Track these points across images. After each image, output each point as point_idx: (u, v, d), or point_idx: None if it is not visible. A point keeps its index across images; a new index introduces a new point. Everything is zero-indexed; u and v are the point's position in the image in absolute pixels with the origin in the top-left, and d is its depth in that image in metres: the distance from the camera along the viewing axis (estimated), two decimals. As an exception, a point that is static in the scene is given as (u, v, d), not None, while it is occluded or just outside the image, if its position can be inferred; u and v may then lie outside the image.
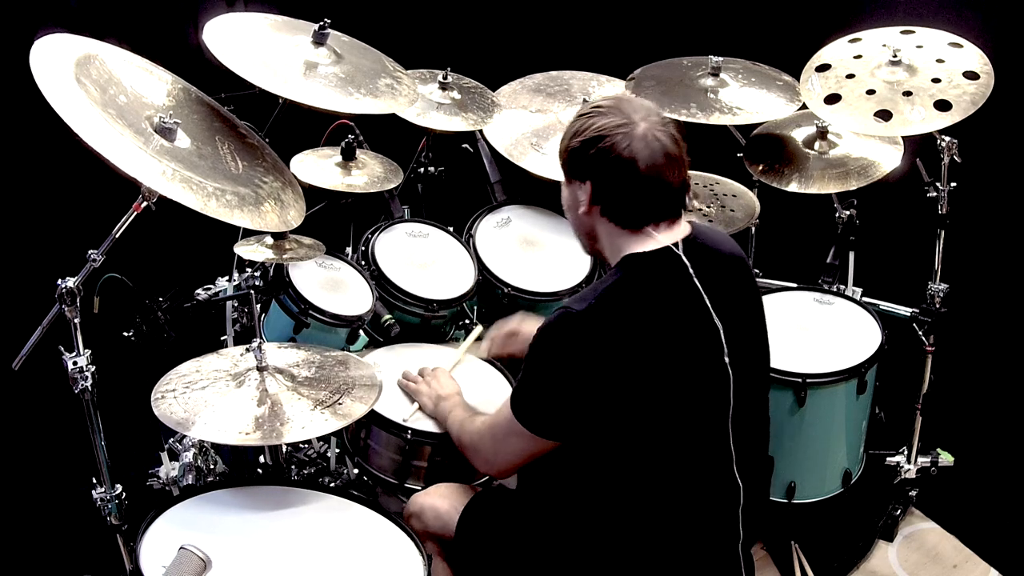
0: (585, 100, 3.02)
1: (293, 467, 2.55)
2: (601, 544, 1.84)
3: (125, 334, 2.34)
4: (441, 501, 2.08)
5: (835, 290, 2.86)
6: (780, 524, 2.78)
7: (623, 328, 1.74)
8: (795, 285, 2.87)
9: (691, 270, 1.80)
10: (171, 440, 2.46)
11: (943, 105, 2.50)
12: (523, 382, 1.85)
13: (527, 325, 2.35)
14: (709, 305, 1.81)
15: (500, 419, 1.91)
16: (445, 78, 2.94)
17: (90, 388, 2.03)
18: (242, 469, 2.55)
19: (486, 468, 2.02)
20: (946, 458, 2.88)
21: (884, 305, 2.85)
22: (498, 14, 3.64)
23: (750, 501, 1.88)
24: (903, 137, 2.77)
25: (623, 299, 1.77)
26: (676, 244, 1.82)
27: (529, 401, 1.83)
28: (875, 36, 2.74)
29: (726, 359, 1.82)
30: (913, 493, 2.93)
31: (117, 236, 1.98)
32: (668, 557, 1.84)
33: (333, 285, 2.52)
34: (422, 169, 3.10)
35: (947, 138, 2.63)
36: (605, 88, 3.12)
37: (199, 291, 2.68)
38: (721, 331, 1.82)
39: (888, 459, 2.88)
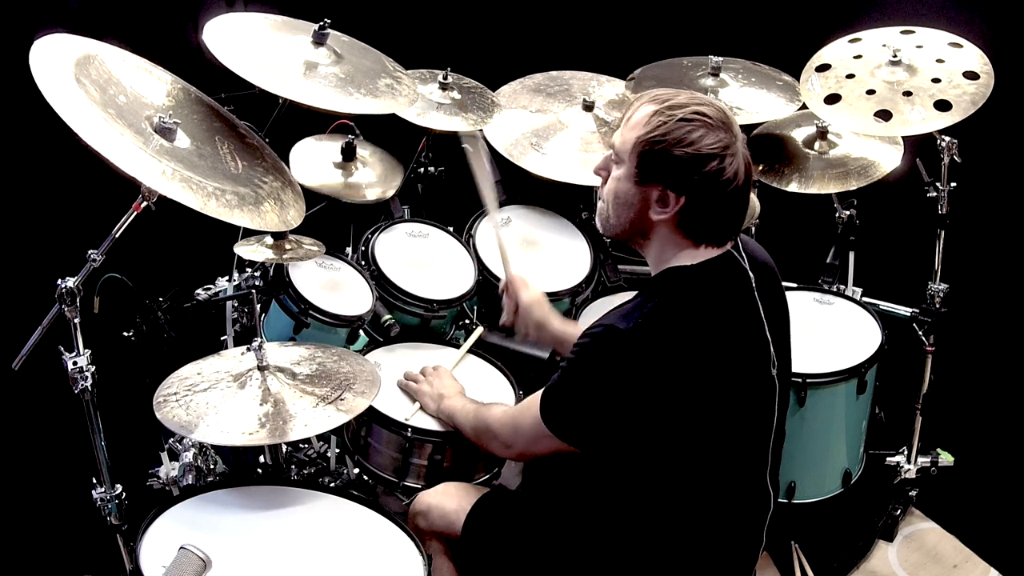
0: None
1: (293, 467, 2.55)
2: (614, 548, 1.83)
3: (125, 334, 2.34)
4: (448, 500, 2.07)
5: (835, 290, 2.86)
6: (780, 524, 2.78)
7: (670, 349, 1.69)
8: (795, 285, 2.87)
9: (754, 283, 1.78)
10: (171, 440, 2.46)
11: (943, 105, 2.50)
12: (557, 387, 1.80)
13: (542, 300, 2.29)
14: (763, 317, 1.79)
15: (527, 414, 1.88)
16: (445, 78, 2.94)
17: (90, 388, 2.03)
18: (242, 469, 2.55)
19: (503, 452, 2.02)
20: (946, 458, 2.88)
21: (884, 305, 2.85)
22: (498, 14, 3.64)
23: (776, 507, 1.89)
24: (903, 137, 2.77)
25: (670, 319, 1.71)
26: (737, 253, 1.79)
27: (560, 407, 1.80)
28: (875, 36, 2.74)
29: (773, 371, 1.81)
30: (913, 493, 2.93)
31: (117, 236, 1.98)
32: (687, 561, 1.82)
33: (333, 285, 2.52)
34: (422, 169, 3.10)
35: (947, 138, 2.63)
36: (605, 88, 3.12)
37: (199, 291, 2.68)
38: (771, 342, 1.80)
39: (888, 459, 2.88)
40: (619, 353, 1.69)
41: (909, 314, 2.82)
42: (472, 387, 2.31)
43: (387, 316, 2.53)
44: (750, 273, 1.79)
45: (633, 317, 1.71)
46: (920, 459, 2.87)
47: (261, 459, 2.41)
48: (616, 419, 1.73)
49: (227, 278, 2.73)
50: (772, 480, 1.87)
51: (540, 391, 1.85)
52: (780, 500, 2.58)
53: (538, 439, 1.85)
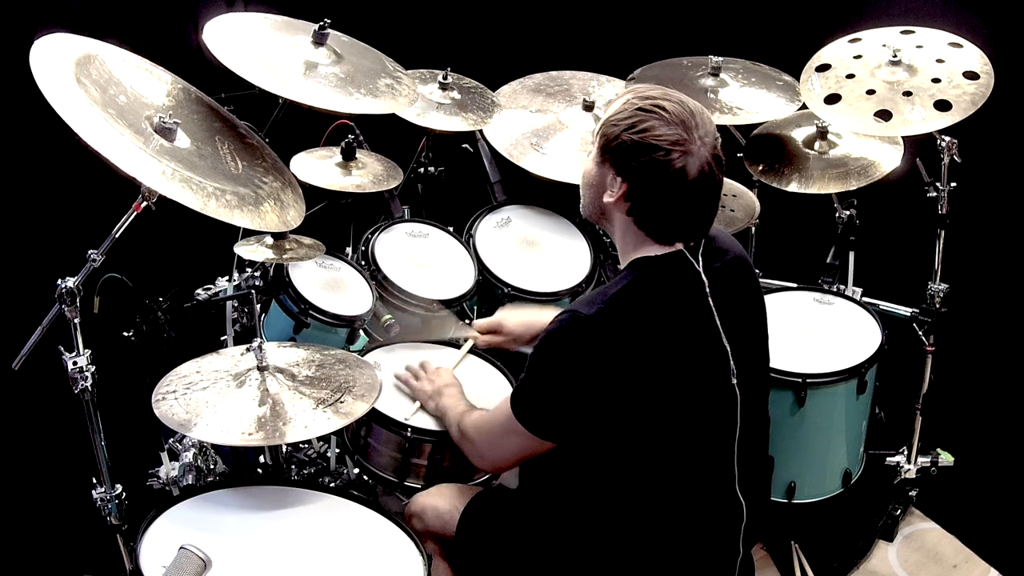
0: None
1: (293, 467, 2.55)
2: (601, 547, 1.84)
3: (125, 334, 2.34)
4: (442, 501, 2.08)
5: (835, 290, 2.86)
6: (780, 524, 2.78)
7: (632, 337, 1.72)
8: (795, 285, 2.86)
9: (707, 288, 1.78)
10: (171, 440, 2.46)
11: (943, 105, 2.50)
12: (526, 382, 1.84)
13: (510, 319, 2.35)
14: (719, 325, 1.79)
15: (499, 416, 1.90)
16: (445, 78, 2.94)
17: (90, 388, 2.03)
18: (242, 469, 2.55)
19: (479, 463, 2.02)
20: (946, 458, 2.88)
21: (884, 305, 2.85)
22: (498, 14, 3.64)
23: (752, 518, 1.88)
24: (903, 137, 2.77)
25: (634, 306, 1.74)
26: (694, 250, 1.79)
27: (530, 401, 1.82)
28: (875, 36, 2.74)
29: (733, 380, 1.81)
30: (913, 493, 2.93)
31: (117, 236, 1.98)
32: (666, 564, 1.83)
33: (333, 285, 2.52)
34: (422, 169, 3.10)
35: (947, 138, 2.63)
36: (605, 88, 3.12)
37: (199, 291, 2.68)
38: (729, 352, 1.80)
39: (888, 459, 2.88)
40: (583, 338, 1.72)
41: (909, 314, 2.82)
42: (472, 387, 2.30)
43: (387, 316, 2.53)
44: (703, 277, 1.79)
45: (596, 303, 1.74)
46: (920, 459, 2.87)
47: (261, 459, 2.41)
48: (584, 407, 1.75)
49: (227, 278, 2.73)
50: (745, 490, 1.86)
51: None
52: (780, 500, 2.58)
53: (510, 440, 1.86)
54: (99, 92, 1.97)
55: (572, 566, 1.87)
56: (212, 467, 2.46)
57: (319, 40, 2.55)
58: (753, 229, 3.09)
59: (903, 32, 2.70)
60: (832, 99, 2.65)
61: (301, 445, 2.62)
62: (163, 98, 2.18)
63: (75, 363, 2.01)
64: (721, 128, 2.88)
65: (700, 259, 1.80)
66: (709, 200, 1.78)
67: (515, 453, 1.89)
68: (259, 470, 2.47)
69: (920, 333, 2.79)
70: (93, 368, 2.03)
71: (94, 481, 2.13)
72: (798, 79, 2.79)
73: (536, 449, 1.84)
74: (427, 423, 2.23)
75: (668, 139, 1.71)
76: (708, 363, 1.80)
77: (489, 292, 2.75)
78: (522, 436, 1.83)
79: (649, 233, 1.78)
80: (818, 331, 2.68)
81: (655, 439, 1.77)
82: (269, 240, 2.35)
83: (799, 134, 2.94)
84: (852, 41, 2.76)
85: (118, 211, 1.97)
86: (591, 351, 1.72)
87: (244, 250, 2.33)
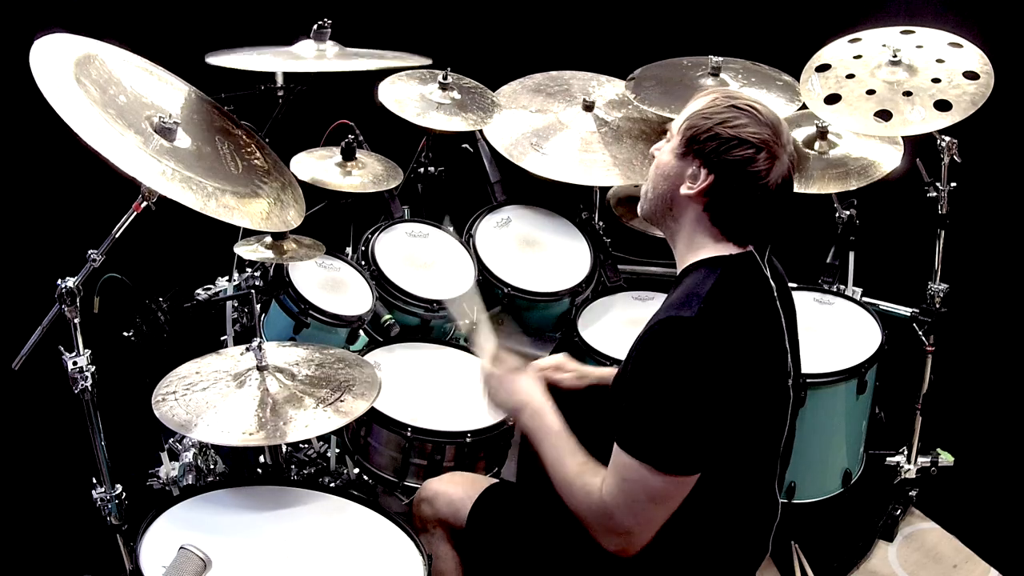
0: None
1: (293, 467, 2.55)
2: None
3: (125, 334, 2.34)
4: (454, 488, 2.05)
5: (835, 290, 2.86)
6: (780, 524, 2.78)
7: (731, 336, 1.65)
8: (795, 285, 2.86)
9: (775, 292, 1.79)
10: (171, 440, 2.46)
11: (943, 105, 2.50)
12: (648, 421, 1.64)
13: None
14: (784, 328, 1.80)
15: (631, 484, 1.66)
16: (445, 78, 2.94)
17: (90, 388, 2.03)
18: (242, 469, 2.55)
19: (623, 544, 1.73)
20: (946, 458, 2.88)
21: (884, 305, 2.85)
22: (498, 14, 3.64)
23: (781, 517, 1.88)
24: (903, 137, 2.77)
25: (729, 305, 1.68)
26: (762, 257, 1.80)
27: (667, 439, 1.63)
28: (875, 36, 2.74)
29: (789, 382, 1.81)
30: (913, 493, 2.93)
31: (117, 236, 1.98)
32: (692, 565, 1.80)
33: (333, 285, 2.52)
34: (422, 169, 3.10)
35: (947, 138, 2.63)
36: (605, 88, 3.12)
37: (199, 291, 2.68)
38: (789, 355, 1.81)
39: (888, 459, 2.88)
40: (692, 341, 1.63)
41: (909, 314, 2.82)
42: (471, 387, 2.30)
43: (387, 316, 2.54)
44: (771, 282, 1.80)
45: (693, 304, 1.66)
46: (920, 459, 2.87)
47: (261, 459, 2.41)
48: (711, 415, 1.64)
49: (227, 278, 2.73)
50: (779, 489, 1.87)
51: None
52: (780, 500, 2.58)
53: (657, 507, 1.67)
54: (99, 92, 1.97)
55: (585, 560, 1.83)
56: (212, 467, 2.46)
57: (318, 39, 2.55)
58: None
59: (903, 32, 2.70)
60: (832, 99, 2.65)
61: (301, 445, 2.62)
62: (163, 98, 2.17)
63: (75, 363, 2.01)
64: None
65: (765, 265, 1.81)
66: (783, 206, 1.77)
67: (666, 513, 1.69)
68: (259, 470, 2.47)
69: (920, 333, 2.79)
70: (93, 368, 2.03)
71: (94, 481, 2.13)
72: (798, 79, 2.79)
73: (683, 495, 1.67)
74: (427, 423, 2.23)
75: (760, 138, 1.70)
76: (776, 364, 1.78)
77: (489, 292, 2.75)
78: (669, 490, 1.66)
79: (723, 231, 1.76)
80: (818, 331, 2.68)
81: (722, 439, 1.70)
82: (269, 240, 2.35)
83: (799, 134, 2.94)
84: (852, 41, 2.76)
85: (118, 211, 1.97)
86: (702, 354, 1.62)
87: (244, 250, 2.33)
